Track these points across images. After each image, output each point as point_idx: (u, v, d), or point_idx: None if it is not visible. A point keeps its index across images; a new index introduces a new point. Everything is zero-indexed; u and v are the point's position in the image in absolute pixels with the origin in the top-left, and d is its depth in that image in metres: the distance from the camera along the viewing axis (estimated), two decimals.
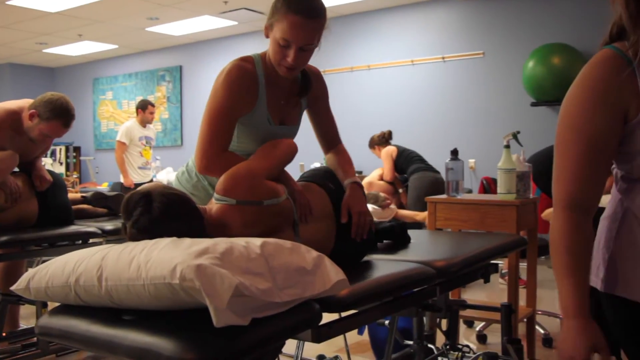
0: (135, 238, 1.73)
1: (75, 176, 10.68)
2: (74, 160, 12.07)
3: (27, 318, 4.77)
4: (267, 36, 2.18)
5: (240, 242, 1.56)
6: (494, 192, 5.75)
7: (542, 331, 3.98)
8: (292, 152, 2.15)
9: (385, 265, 2.16)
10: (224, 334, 1.38)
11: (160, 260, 1.45)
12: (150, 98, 11.10)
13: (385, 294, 1.93)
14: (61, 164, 11.66)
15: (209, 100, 2.19)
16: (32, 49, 11.15)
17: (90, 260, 1.60)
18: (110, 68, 12.22)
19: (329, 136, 2.52)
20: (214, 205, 1.94)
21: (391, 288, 1.95)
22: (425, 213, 5.41)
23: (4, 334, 3.53)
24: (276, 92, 2.30)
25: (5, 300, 3.41)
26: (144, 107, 7.71)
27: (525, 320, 3.67)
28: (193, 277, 1.35)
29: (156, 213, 1.73)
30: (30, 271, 1.73)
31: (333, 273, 1.63)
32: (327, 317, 1.73)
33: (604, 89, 1.43)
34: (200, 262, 1.38)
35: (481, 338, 4.05)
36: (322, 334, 1.73)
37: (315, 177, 2.26)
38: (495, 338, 4.10)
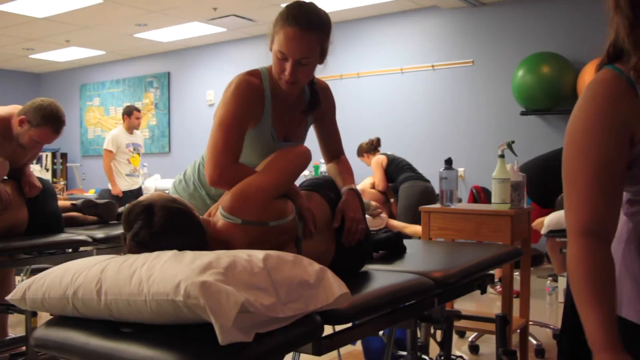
0: (133, 251, 1.70)
1: (62, 183, 10.60)
2: (61, 166, 11.99)
3: (13, 326, 4.71)
4: (270, 49, 2.15)
5: (242, 255, 1.53)
6: (484, 201, 5.75)
7: (534, 342, 3.97)
8: (306, 162, 2.09)
9: (383, 276, 2.15)
10: (227, 349, 1.35)
11: (163, 276, 1.42)
12: (138, 105, 11.04)
13: (386, 305, 1.91)
14: (47, 170, 11.57)
15: (219, 112, 2.14)
16: (19, 55, 11.08)
17: (88, 272, 1.57)
18: (97, 74, 12.15)
19: (332, 148, 2.50)
20: (218, 220, 1.90)
21: (392, 299, 1.93)
22: (415, 227, 5.42)
23: None
24: (281, 107, 2.26)
25: None
26: (129, 113, 7.66)
27: (518, 331, 3.66)
28: (198, 294, 1.33)
29: (157, 227, 1.70)
30: (27, 281, 1.70)
31: (336, 286, 1.60)
32: (326, 329, 1.71)
33: (609, 112, 1.40)
34: (204, 278, 1.36)
35: (473, 349, 4.04)
36: (323, 347, 1.71)
37: (317, 186, 2.22)
38: (487, 348, 4.09)
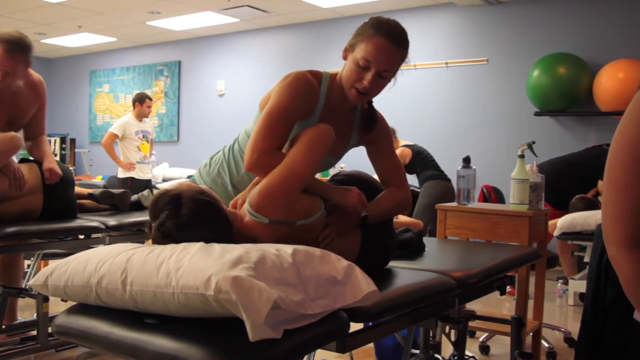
0: (158, 240, 1.68)
1: (70, 168, 10.57)
2: (69, 152, 11.98)
3: (21, 310, 4.69)
4: (344, 58, 2.15)
5: (270, 249, 1.51)
6: (494, 200, 5.73)
7: (546, 345, 3.94)
8: (330, 140, 2.01)
9: (404, 274, 2.13)
10: (256, 345, 1.33)
11: (193, 269, 1.40)
12: (148, 92, 11.02)
13: (411, 304, 1.89)
14: (55, 155, 11.56)
15: (270, 101, 2.11)
16: (31, 39, 10.93)
17: (113, 261, 1.55)
18: (108, 61, 12.12)
19: (383, 180, 2.36)
20: (245, 215, 1.88)
21: (416, 298, 1.92)
22: (405, 218, 5.40)
23: (3, 327, 3.46)
24: (330, 116, 2.22)
25: (6, 292, 3.34)
26: (141, 101, 7.66)
27: (531, 333, 3.63)
28: (229, 289, 1.31)
29: (183, 219, 1.68)
30: (48, 267, 1.68)
31: (364, 284, 1.58)
32: None
33: None
34: (236, 273, 1.34)
35: (484, 349, 4.01)
36: (348, 345, 1.68)
37: (350, 184, 2.16)
38: (497, 349, 4.06)
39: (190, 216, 1.68)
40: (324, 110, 2.20)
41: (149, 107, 7.73)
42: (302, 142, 1.99)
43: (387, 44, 2.07)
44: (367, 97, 2.16)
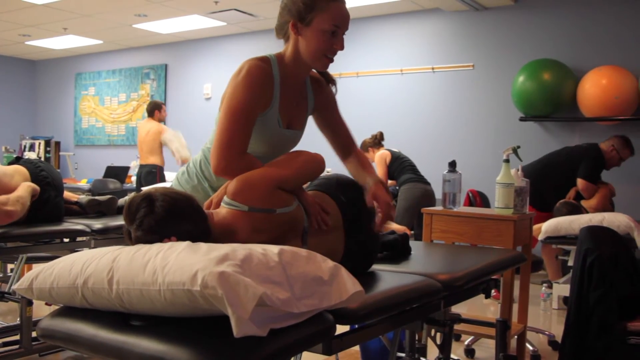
0: (140, 240, 1.68)
1: None
2: (54, 155, 11.91)
3: (4, 315, 4.66)
4: (299, 34, 2.16)
5: (257, 248, 1.51)
6: (479, 205, 5.75)
7: (530, 348, 3.96)
8: (318, 167, 2.05)
9: (390, 277, 2.12)
10: (241, 345, 1.33)
11: (179, 266, 1.40)
12: (134, 96, 11.03)
13: (397, 306, 1.89)
14: (40, 158, 11.48)
15: (228, 100, 2.13)
16: (15, 41, 10.99)
17: (99, 261, 1.55)
18: (93, 63, 12.08)
19: (342, 140, 2.51)
20: (222, 209, 1.88)
21: (402, 300, 1.92)
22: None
23: None
24: (288, 94, 2.26)
25: None
26: (160, 108, 8.26)
27: (515, 336, 3.65)
28: (215, 284, 1.31)
29: (160, 212, 1.68)
30: (33, 271, 1.67)
31: (350, 284, 1.58)
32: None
33: None
34: (222, 269, 1.34)
35: (469, 352, 4.02)
36: (334, 347, 1.69)
37: (328, 187, 2.15)
38: (482, 353, 4.07)
39: (166, 208, 1.69)
40: (282, 94, 2.23)
41: (165, 112, 8.39)
42: (292, 156, 2.04)
43: (343, 6, 2.16)
44: (332, 61, 2.22)
